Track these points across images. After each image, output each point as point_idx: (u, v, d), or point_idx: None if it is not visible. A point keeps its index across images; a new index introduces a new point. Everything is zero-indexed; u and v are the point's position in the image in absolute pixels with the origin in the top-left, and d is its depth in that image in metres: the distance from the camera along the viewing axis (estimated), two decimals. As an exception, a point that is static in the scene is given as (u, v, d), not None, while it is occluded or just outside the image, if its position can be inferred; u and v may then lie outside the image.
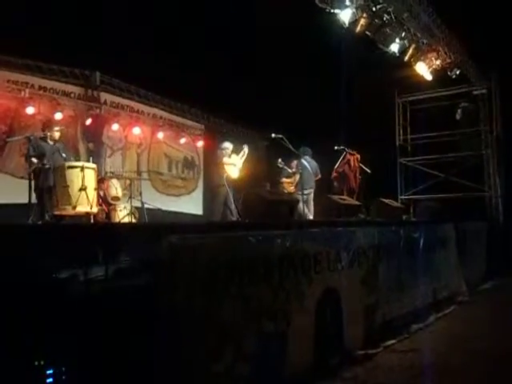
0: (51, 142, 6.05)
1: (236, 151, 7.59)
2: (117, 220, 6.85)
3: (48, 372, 2.39)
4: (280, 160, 7.85)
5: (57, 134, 6.11)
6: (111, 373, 2.48)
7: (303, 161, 7.66)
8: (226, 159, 7.34)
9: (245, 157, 7.63)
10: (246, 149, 7.70)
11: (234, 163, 7.45)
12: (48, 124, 6.30)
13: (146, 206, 7.47)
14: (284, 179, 8.28)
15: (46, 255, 2.54)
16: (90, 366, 2.43)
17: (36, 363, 2.37)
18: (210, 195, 7.58)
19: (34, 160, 5.66)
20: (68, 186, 5.36)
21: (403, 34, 8.25)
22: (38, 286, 2.42)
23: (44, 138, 6.03)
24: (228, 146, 7.51)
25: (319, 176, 7.88)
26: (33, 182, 5.56)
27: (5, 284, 2.28)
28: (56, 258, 2.57)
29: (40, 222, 5.26)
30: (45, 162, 5.64)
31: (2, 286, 2.28)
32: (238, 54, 8.79)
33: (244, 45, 8.70)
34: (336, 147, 8.04)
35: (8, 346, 2.22)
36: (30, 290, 2.37)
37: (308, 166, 7.70)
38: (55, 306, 2.40)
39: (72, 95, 8.49)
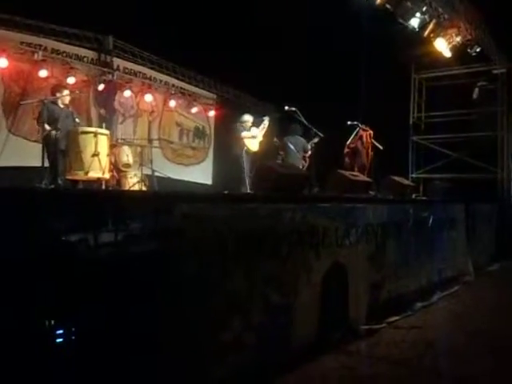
0: (62, 106, 6.04)
1: (256, 123, 7.50)
2: (127, 187, 6.89)
3: (58, 332, 2.43)
4: (275, 139, 7.80)
5: (67, 98, 6.10)
6: (119, 336, 2.52)
7: (287, 141, 7.63)
8: (244, 133, 7.29)
9: (265, 129, 7.54)
10: (266, 121, 7.60)
11: (254, 135, 7.39)
12: (57, 88, 6.28)
13: (155, 174, 7.49)
14: None
15: (56, 219, 2.56)
16: (98, 328, 2.48)
17: (46, 323, 2.41)
18: (231, 166, 7.53)
19: (46, 126, 5.67)
20: (81, 152, 5.38)
21: (424, 9, 8.03)
22: (48, 247, 2.45)
23: (55, 102, 6.02)
24: (248, 118, 7.44)
25: (309, 152, 7.76)
26: (45, 146, 5.59)
27: (16, 245, 2.31)
28: (66, 221, 2.60)
29: (52, 186, 5.31)
30: (58, 126, 5.65)
31: (14, 247, 2.30)
32: (251, 23, 8.62)
33: (258, 15, 8.52)
34: (349, 122, 7.93)
35: (19, 306, 2.26)
36: (41, 251, 2.40)
37: (291, 146, 7.61)
38: (65, 268, 2.43)
39: (85, 59, 8.44)
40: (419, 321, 4.74)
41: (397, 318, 4.72)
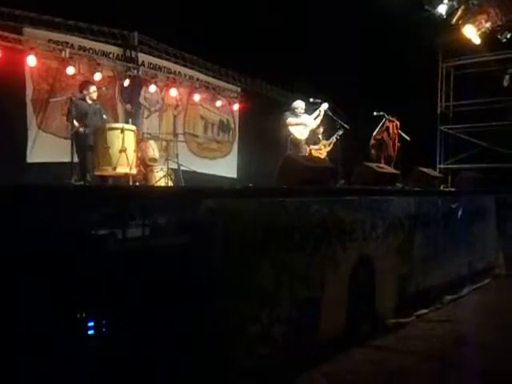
0: (90, 102, 6.14)
1: (308, 110, 7.10)
2: (153, 181, 6.97)
3: (89, 324, 2.48)
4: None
5: (94, 94, 6.20)
6: (148, 328, 2.56)
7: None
8: (291, 119, 6.86)
9: (321, 117, 7.12)
10: (322, 108, 7.15)
11: (304, 123, 6.95)
12: (85, 84, 6.39)
13: (181, 167, 7.56)
14: (312, 146, 8.14)
15: (87, 213, 2.61)
16: (128, 320, 2.52)
17: (78, 316, 2.47)
18: (263, 158, 7.30)
19: (75, 122, 5.78)
20: (109, 148, 5.47)
21: (453, -5, 7.84)
22: (78, 241, 2.50)
23: (83, 99, 6.12)
24: (299, 104, 7.06)
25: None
26: (75, 143, 5.70)
27: (48, 239, 2.36)
28: (96, 217, 2.65)
29: (81, 182, 5.42)
30: (86, 122, 5.75)
31: (46, 241, 2.36)
32: (276, 16, 8.57)
33: (281, 8, 8.46)
34: (375, 113, 7.81)
35: (51, 298, 2.32)
36: (72, 245, 2.45)
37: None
38: (95, 262, 2.48)
39: (111, 56, 8.55)
40: (449, 314, 4.67)
41: (426, 311, 4.65)
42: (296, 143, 6.89)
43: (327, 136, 8.27)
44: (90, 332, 2.49)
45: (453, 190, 7.79)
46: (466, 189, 7.00)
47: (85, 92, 6.16)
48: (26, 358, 2.24)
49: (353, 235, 3.91)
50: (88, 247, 2.54)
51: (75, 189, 3.50)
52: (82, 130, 5.70)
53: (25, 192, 2.51)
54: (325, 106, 7.20)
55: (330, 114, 7.33)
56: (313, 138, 8.14)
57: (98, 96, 6.43)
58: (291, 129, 6.86)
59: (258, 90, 10.74)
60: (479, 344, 3.89)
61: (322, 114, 7.18)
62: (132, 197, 2.89)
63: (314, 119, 7.15)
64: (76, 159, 5.67)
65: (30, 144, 7.44)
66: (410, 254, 4.73)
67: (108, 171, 5.59)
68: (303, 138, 6.96)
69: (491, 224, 6.66)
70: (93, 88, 6.25)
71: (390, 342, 3.90)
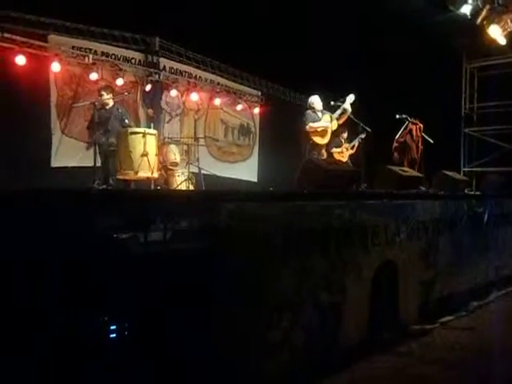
0: (109, 107, 6.19)
1: (330, 108, 6.66)
2: (174, 185, 7.01)
3: (112, 328, 2.49)
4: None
5: (110, 100, 6.25)
6: (170, 333, 2.56)
7: None
8: (311, 125, 6.41)
9: (347, 113, 6.58)
10: (348, 103, 6.49)
11: (324, 126, 6.47)
12: (102, 89, 6.46)
13: (202, 171, 7.58)
14: (334, 149, 8.07)
15: (109, 217, 2.62)
16: (151, 323, 2.52)
17: (100, 319, 2.47)
18: (284, 162, 6.98)
19: (97, 126, 5.85)
20: (130, 152, 5.52)
21: (477, -6, 7.70)
22: (101, 245, 2.51)
23: (104, 104, 6.19)
24: (314, 100, 6.58)
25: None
26: (97, 147, 5.78)
27: (71, 243, 2.38)
28: (118, 221, 2.66)
29: (104, 186, 5.48)
30: (108, 127, 5.82)
31: (70, 245, 2.38)
32: (295, 20, 8.54)
33: (302, 12, 8.43)
34: (398, 116, 7.71)
35: (75, 302, 2.33)
36: (95, 248, 2.46)
37: None
38: (118, 265, 2.49)
39: (133, 61, 8.65)
40: (474, 321, 4.56)
41: (450, 317, 4.55)
42: (317, 148, 6.60)
43: (350, 139, 8.20)
44: (113, 335, 2.50)
45: (478, 193, 7.63)
46: (491, 192, 6.84)
47: (104, 96, 6.23)
48: (48, 360, 2.26)
49: (375, 240, 3.86)
50: (110, 251, 2.55)
51: (98, 193, 3.53)
52: (103, 139, 5.77)
53: (49, 196, 2.54)
54: (350, 98, 6.65)
55: (352, 117, 7.23)
56: (335, 141, 8.06)
57: (121, 101, 6.49)
58: (312, 136, 6.57)
59: (278, 95, 10.72)
60: (505, 353, 3.78)
61: (349, 108, 6.62)
62: (153, 201, 2.90)
63: (338, 116, 6.72)
64: (99, 163, 5.74)
65: (54, 148, 7.56)
66: (435, 259, 4.64)
67: (130, 175, 5.64)
68: (324, 143, 6.68)
69: (518, 229, 6.49)
70: (109, 92, 6.31)
71: (413, 349, 3.82)
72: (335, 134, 7.15)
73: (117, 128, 5.94)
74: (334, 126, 6.69)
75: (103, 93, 6.28)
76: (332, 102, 7.18)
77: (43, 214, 2.40)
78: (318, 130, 6.52)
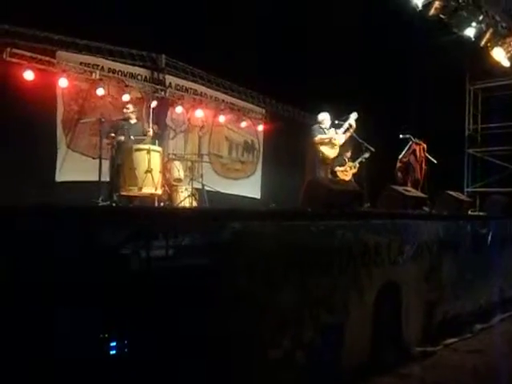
0: (134, 119, 6.28)
1: (335, 125, 6.82)
2: (178, 201, 7.02)
3: (111, 344, 2.47)
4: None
5: (133, 114, 6.35)
6: (170, 350, 2.54)
7: None
8: (320, 136, 6.55)
9: (352, 129, 6.74)
10: (352, 119, 6.71)
11: (333, 139, 6.64)
12: (130, 102, 6.57)
13: (206, 188, 7.60)
14: (338, 168, 8.09)
15: (110, 234, 2.62)
16: (151, 340, 2.51)
17: (101, 336, 2.46)
18: (287, 179, 7.12)
19: (108, 141, 5.90)
20: (135, 168, 5.56)
21: (480, 18, 7.78)
22: (102, 260, 2.51)
23: (129, 117, 6.27)
24: (324, 117, 6.73)
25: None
26: (109, 161, 5.82)
27: (72, 259, 2.38)
28: (119, 237, 2.66)
29: (108, 202, 5.49)
30: (120, 139, 5.87)
31: (70, 260, 2.38)
32: (298, 39, 8.65)
33: (305, 28, 8.54)
34: (401, 135, 7.74)
35: (75, 319, 2.32)
36: (95, 264, 2.46)
37: None
38: (119, 282, 2.48)
39: (139, 77, 8.76)
40: (479, 344, 4.49)
41: (454, 340, 4.49)
42: (325, 162, 6.69)
43: (353, 158, 8.22)
44: (113, 352, 2.48)
45: (482, 214, 7.61)
46: (494, 213, 6.83)
47: (125, 111, 6.35)
48: (47, 378, 2.24)
49: (378, 260, 3.83)
50: (112, 267, 2.55)
51: (102, 209, 3.54)
52: (115, 146, 5.83)
53: (52, 212, 2.55)
54: (354, 116, 6.82)
55: (356, 136, 7.26)
56: (339, 160, 8.09)
57: (136, 118, 6.61)
58: (321, 148, 6.65)
59: (282, 112, 10.80)
60: (510, 377, 3.73)
61: (354, 124, 6.81)
62: (156, 218, 2.90)
63: (344, 133, 6.85)
64: (104, 178, 5.77)
65: (59, 163, 7.61)
66: (438, 280, 4.60)
67: (134, 191, 5.66)
68: (333, 156, 6.76)
69: (522, 250, 6.45)
70: (130, 106, 6.42)
71: (416, 372, 3.76)
72: (341, 151, 7.20)
73: (127, 143, 5.99)
74: (341, 139, 6.77)
75: (129, 106, 6.40)
76: (336, 121, 7.23)
77: (46, 230, 2.40)
78: (326, 140, 6.61)
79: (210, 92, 9.85)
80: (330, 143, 6.65)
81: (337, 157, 7.03)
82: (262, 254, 2.94)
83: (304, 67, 8.85)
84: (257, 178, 11.11)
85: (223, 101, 10.06)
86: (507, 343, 4.57)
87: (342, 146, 6.95)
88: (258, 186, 11.02)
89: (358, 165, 8.07)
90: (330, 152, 6.70)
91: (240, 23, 8.31)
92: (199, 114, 9.52)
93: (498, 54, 8.58)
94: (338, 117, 7.07)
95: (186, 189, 7.28)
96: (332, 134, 6.75)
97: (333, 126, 6.86)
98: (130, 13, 7.35)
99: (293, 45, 8.68)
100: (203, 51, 8.47)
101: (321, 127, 6.74)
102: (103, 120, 6.03)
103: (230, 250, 2.82)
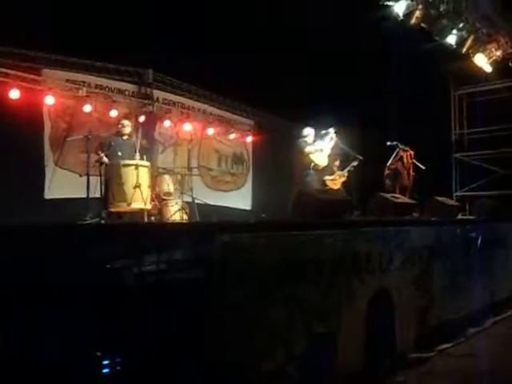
0: (128, 133, 6.28)
1: (320, 136, 7.24)
2: (168, 215, 7.00)
3: (104, 362, 2.45)
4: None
5: (127, 129, 6.35)
6: (164, 363, 2.53)
7: None
8: (309, 147, 6.97)
9: (334, 140, 7.22)
10: (332, 132, 7.22)
11: (321, 149, 7.06)
12: (125, 117, 6.56)
13: (196, 201, 7.59)
14: (327, 177, 8.14)
15: (100, 251, 2.62)
16: (144, 357, 2.49)
17: (93, 354, 2.44)
18: (276, 189, 7.38)
19: (105, 158, 5.90)
20: (123, 184, 5.53)
21: (461, 25, 7.93)
22: (93, 278, 2.50)
23: (123, 133, 6.28)
24: (308, 132, 7.17)
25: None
26: (99, 179, 5.79)
27: (62, 274, 2.37)
28: (109, 253, 2.65)
29: (97, 219, 5.46)
30: (121, 155, 5.87)
31: (61, 276, 2.36)
32: (285, 49, 8.73)
33: (291, 40, 8.62)
34: (388, 143, 7.82)
35: (67, 336, 2.31)
36: (86, 280, 2.45)
37: None
38: (109, 297, 2.47)
39: (126, 93, 8.76)
40: (472, 348, 4.52)
41: (448, 345, 4.51)
42: (317, 170, 7.01)
43: (342, 167, 8.28)
44: (106, 370, 2.46)
45: (471, 218, 7.67)
46: (484, 216, 6.89)
47: (121, 127, 6.35)
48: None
49: (369, 268, 3.84)
50: (102, 284, 2.54)
51: (90, 227, 3.53)
52: (105, 162, 5.82)
53: (42, 231, 2.54)
54: (332, 130, 7.31)
55: (343, 145, 7.34)
56: (328, 169, 8.16)
57: (129, 134, 6.61)
58: (312, 157, 6.93)
59: (270, 123, 10.85)
60: (503, 380, 3.74)
61: (334, 136, 7.24)
62: (145, 234, 2.90)
63: (328, 144, 7.23)
64: (92, 194, 5.74)
65: (47, 181, 7.58)
66: (430, 286, 4.62)
67: (123, 207, 5.63)
68: (324, 164, 7.09)
69: (511, 252, 6.51)
70: (126, 122, 6.43)
71: (411, 379, 3.77)
72: (328, 160, 7.45)
73: (116, 159, 5.96)
74: (328, 150, 7.16)
75: (124, 122, 6.39)
76: (323, 131, 7.33)
77: (35, 249, 2.39)
78: (314, 150, 6.97)
79: (197, 105, 9.87)
80: (320, 152, 7.00)
81: (326, 166, 7.31)
82: (252, 265, 2.94)
83: (291, 78, 8.91)
84: (247, 189, 11.11)
85: (211, 113, 10.09)
86: (500, 347, 4.59)
87: (328, 156, 7.28)
88: (249, 198, 11.02)
89: (346, 173, 8.12)
90: (321, 161, 7.05)
91: (227, 36, 8.37)
92: (187, 127, 9.53)
93: (480, 60, 8.73)
94: (323, 128, 7.32)
95: (176, 202, 7.25)
96: (320, 145, 7.11)
97: (317, 138, 7.26)
98: (116, 28, 7.38)
99: (280, 56, 8.75)
100: (190, 65, 8.50)
101: (305, 141, 7.08)
102: (90, 137, 6.00)
103: (220, 263, 2.82)
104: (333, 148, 7.34)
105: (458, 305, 5.04)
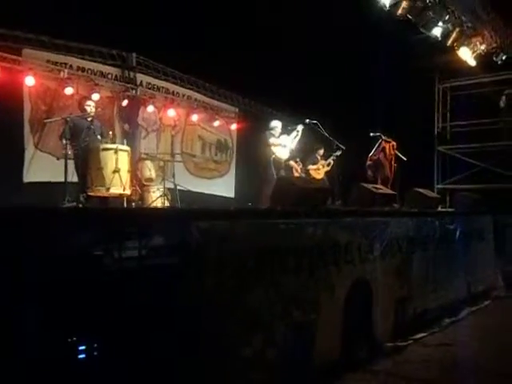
0: (89, 119, 6.07)
1: (287, 131, 7.45)
2: (150, 201, 6.93)
3: (80, 348, 2.42)
4: None
5: (93, 110, 6.15)
6: (141, 350, 2.51)
7: None
8: (272, 140, 7.17)
9: (299, 137, 7.45)
10: (299, 129, 7.46)
11: (284, 144, 7.27)
12: (83, 100, 6.38)
13: (178, 187, 7.52)
14: (310, 166, 8.18)
15: (77, 236, 2.58)
16: (121, 342, 2.47)
17: (69, 340, 2.41)
18: (255, 177, 7.51)
19: (68, 142, 5.72)
20: (102, 168, 5.44)
21: (447, 18, 7.93)
22: (71, 261, 2.46)
23: (82, 117, 6.08)
24: (276, 124, 7.37)
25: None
26: (73, 162, 5.67)
27: (41, 259, 2.33)
28: (86, 239, 2.61)
29: (75, 203, 5.37)
30: (79, 141, 5.70)
31: (39, 261, 2.32)
32: (271, 38, 8.65)
33: (279, 29, 8.55)
34: (371, 134, 7.84)
35: (41, 322, 2.27)
36: (65, 265, 2.41)
37: None
38: (86, 284, 2.44)
39: (109, 76, 8.58)
40: (447, 337, 4.60)
41: (424, 334, 4.59)
42: (278, 162, 7.18)
43: (325, 156, 8.30)
44: (81, 356, 2.44)
45: (450, 210, 7.76)
46: (463, 210, 6.98)
47: (84, 108, 6.13)
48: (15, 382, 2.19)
49: (348, 257, 3.87)
50: (79, 270, 2.50)
51: (67, 211, 3.47)
52: (73, 151, 5.66)
53: (20, 214, 2.48)
54: (301, 127, 7.52)
55: (327, 135, 7.35)
56: (312, 158, 8.20)
57: (96, 112, 6.40)
58: (273, 149, 7.12)
59: (255, 111, 10.78)
60: (478, 368, 3.81)
61: (300, 133, 7.45)
62: (123, 219, 2.86)
63: (293, 140, 7.44)
64: (70, 179, 5.63)
65: (26, 164, 7.41)
66: (408, 277, 4.68)
67: (101, 192, 5.54)
68: (284, 158, 7.29)
69: (490, 245, 6.61)
70: (90, 103, 6.22)
71: (388, 367, 3.82)
72: (293, 154, 7.70)
73: (89, 142, 5.83)
74: (292, 145, 7.43)
75: (89, 103, 6.19)
76: (307, 120, 7.37)
77: (11, 233, 2.34)
78: (277, 143, 7.21)
79: (182, 91, 9.75)
80: (281, 146, 7.23)
81: (289, 159, 7.59)
82: (230, 252, 2.92)
83: (276, 66, 8.85)
84: (231, 177, 11.06)
85: (195, 100, 9.98)
86: (474, 337, 4.68)
87: (293, 150, 7.53)
88: (232, 185, 10.98)
89: (331, 162, 8.16)
90: (282, 154, 7.23)
91: (212, 21, 8.26)
92: (171, 113, 9.41)
93: (465, 54, 8.76)
94: (305, 117, 7.50)
95: (158, 188, 7.17)
96: (283, 139, 7.33)
97: (283, 132, 7.48)
98: (100, 10, 7.21)
99: (265, 44, 8.67)
100: (175, 49, 8.37)
101: (272, 133, 7.26)
102: (68, 119, 5.86)
103: (198, 250, 2.79)
104: (297, 144, 7.55)
105: (435, 295, 5.11)
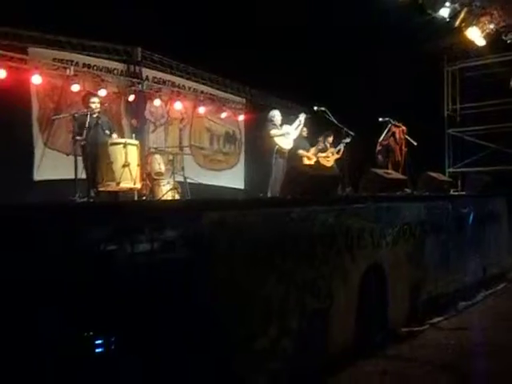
0: (96, 115, 6.09)
1: (288, 121, 7.43)
2: (160, 195, 6.95)
3: (97, 342, 2.44)
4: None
5: (98, 106, 6.15)
6: (158, 343, 2.52)
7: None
8: (274, 131, 7.16)
9: (301, 126, 7.45)
10: (302, 118, 7.46)
11: (287, 133, 7.25)
12: (87, 96, 6.39)
13: (188, 180, 7.54)
14: (320, 154, 8.14)
15: (90, 231, 2.58)
16: (138, 336, 2.48)
17: (85, 334, 2.42)
18: (263, 169, 7.49)
19: (79, 137, 5.75)
20: (112, 163, 5.46)
21: (455, -3, 7.80)
22: (85, 257, 2.47)
23: (87, 113, 6.09)
24: (275, 114, 7.35)
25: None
26: (81, 159, 5.70)
27: (55, 256, 2.34)
28: (99, 233, 2.61)
29: (86, 199, 5.40)
30: (88, 137, 5.72)
31: (53, 258, 2.33)
32: (277, 25, 8.57)
33: (282, 16, 8.47)
34: (380, 119, 7.77)
35: (58, 317, 2.28)
36: (79, 261, 2.42)
37: None
38: (103, 277, 2.45)
39: (115, 71, 8.60)
40: (464, 321, 4.56)
41: (440, 318, 4.55)
42: (282, 153, 7.16)
43: (335, 144, 8.25)
44: (99, 350, 2.45)
45: (463, 194, 7.69)
46: (476, 192, 6.90)
47: (89, 104, 6.14)
48: (32, 378, 2.21)
49: (362, 243, 3.84)
50: (93, 264, 2.51)
51: (79, 206, 3.49)
52: (85, 143, 5.68)
53: (31, 211, 2.49)
54: (303, 115, 7.51)
55: (336, 122, 7.31)
56: (321, 146, 8.18)
57: (104, 112, 6.42)
58: (276, 140, 7.11)
59: (262, 101, 10.73)
60: (496, 352, 3.78)
61: (303, 122, 7.46)
62: (134, 213, 2.86)
63: (295, 129, 7.42)
64: (80, 175, 5.66)
65: (36, 162, 7.47)
66: (422, 261, 4.64)
67: (112, 186, 5.57)
68: (288, 148, 7.26)
69: (504, 227, 6.54)
70: (94, 99, 6.22)
71: (403, 352, 3.80)
72: (297, 143, 7.64)
73: (96, 138, 5.85)
74: (295, 134, 7.41)
75: (94, 100, 6.20)
76: (315, 108, 7.34)
77: (25, 231, 2.35)
78: (280, 135, 7.21)
79: (188, 83, 9.73)
80: (284, 136, 7.21)
81: (293, 148, 7.52)
82: (243, 243, 2.91)
83: (280, 54, 8.78)
84: (240, 168, 11.05)
85: (202, 92, 9.96)
86: (490, 320, 4.64)
87: (296, 140, 7.51)
88: (242, 176, 10.98)
89: (342, 148, 8.12)
90: (285, 144, 7.21)
91: (217, 13, 8.21)
92: (178, 106, 9.42)
93: (473, 34, 8.63)
94: (315, 104, 7.43)
95: (168, 182, 7.20)
96: (285, 129, 7.30)
97: (285, 122, 7.47)
98: (104, 6, 7.19)
99: (270, 33, 8.60)
100: (180, 43, 8.35)
101: (273, 124, 7.25)
102: (76, 115, 5.88)
103: (211, 241, 2.79)
104: (301, 133, 7.54)
105: (449, 279, 5.07)
